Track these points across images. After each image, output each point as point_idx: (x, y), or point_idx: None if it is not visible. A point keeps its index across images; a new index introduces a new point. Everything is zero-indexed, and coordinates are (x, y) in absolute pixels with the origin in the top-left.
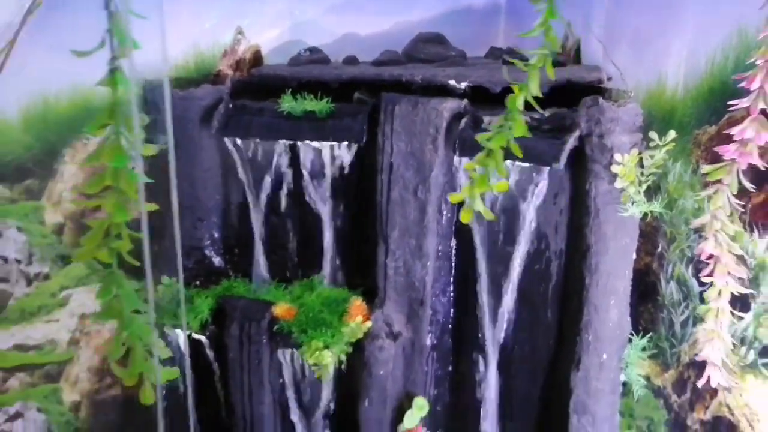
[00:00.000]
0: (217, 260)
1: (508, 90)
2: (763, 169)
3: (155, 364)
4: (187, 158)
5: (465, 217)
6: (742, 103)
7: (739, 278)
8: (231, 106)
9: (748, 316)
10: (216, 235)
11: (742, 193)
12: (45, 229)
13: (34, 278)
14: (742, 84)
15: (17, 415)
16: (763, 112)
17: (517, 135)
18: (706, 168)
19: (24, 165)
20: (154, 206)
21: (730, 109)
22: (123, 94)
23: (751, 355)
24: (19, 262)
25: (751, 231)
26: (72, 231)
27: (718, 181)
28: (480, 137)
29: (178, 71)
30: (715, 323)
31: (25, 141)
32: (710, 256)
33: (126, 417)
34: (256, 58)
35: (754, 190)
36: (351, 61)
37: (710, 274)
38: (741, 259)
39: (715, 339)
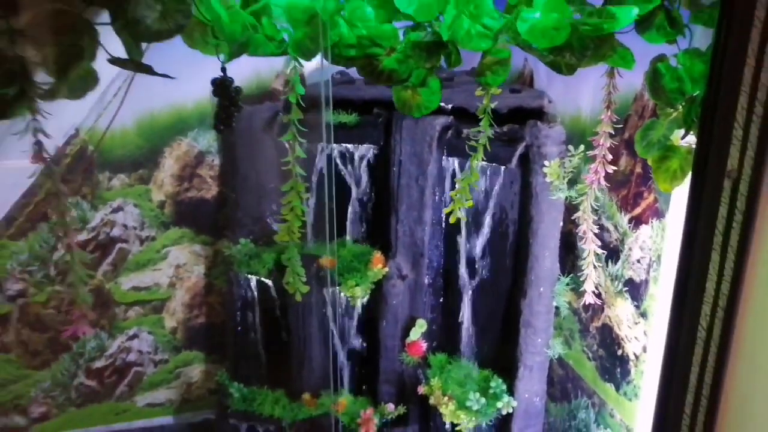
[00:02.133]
0: (276, 226)
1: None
2: (608, 186)
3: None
4: (253, 155)
5: (452, 220)
6: (594, 152)
7: (602, 245)
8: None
9: (619, 263)
10: (274, 207)
11: (615, 189)
12: (152, 205)
13: (145, 240)
14: (594, 142)
15: (134, 336)
16: (603, 157)
17: (473, 181)
18: (578, 187)
19: (137, 160)
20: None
21: (590, 153)
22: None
23: (620, 286)
24: (135, 228)
25: (620, 211)
26: (171, 206)
27: (585, 193)
28: (453, 194)
29: (247, 89)
30: (589, 269)
31: (139, 143)
32: (584, 232)
33: (209, 337)
34: (300, 80)
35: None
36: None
37: (584, 243)
38: (606, 231)
39: (589, 278)
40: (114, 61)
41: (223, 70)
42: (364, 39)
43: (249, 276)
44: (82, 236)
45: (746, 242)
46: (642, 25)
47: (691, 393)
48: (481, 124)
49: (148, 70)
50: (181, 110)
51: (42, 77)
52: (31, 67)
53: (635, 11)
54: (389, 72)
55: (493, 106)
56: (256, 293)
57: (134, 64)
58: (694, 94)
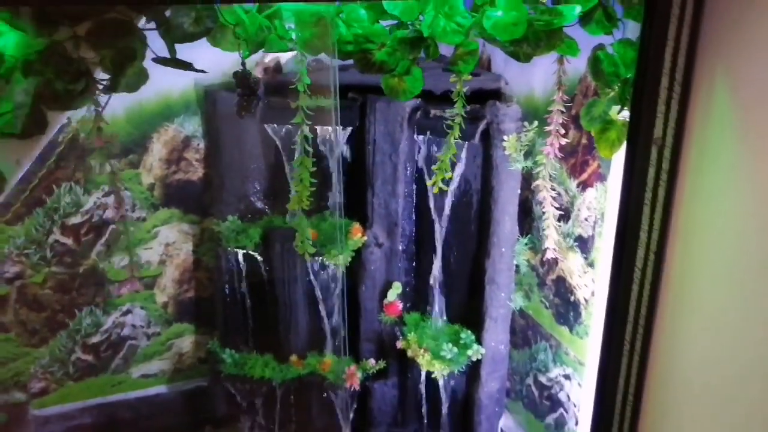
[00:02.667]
0: (259, 204)
1: (446, 91)
2: (561, 156)
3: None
4: (237, 138)
5: (436, 191)
6: (549, 128)
7: (558, 207)
8: (267, 102)
9: (570, 222)
10: (258, 187)
11: (565, 158)
12: (142, 188)
13: (136, 220)
14: (548, 119)
15: (128, 312)
16: (557, 131)
17: (451, 155)
18: (537, 158)
19: (128, 146)
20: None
21: (546, 129)
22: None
23: (570, 242)
24: (126, 210)
25: (570, 177)
26: (160, 188)
27: (543, 164)
28: (435, 167)
29: (228, 78)
30: (549, 230)
31: (128, 130)
32: (543, 198)
33: (198, 310)
34: (277, 67)
35: (561, 160)
36: (344, 68)
37: (544, 207)
38: (559, 195)
39: (550, 237)
40: (158, 60)
41: (243, 65)
42: (359, 37)
43: (237, 250)
44: (77, 219)
45: (670, 197)
46: (584, 20)
47: (630, 323)
48: (456, 106)
49: (188, 67)
50: (168, 98)
51: (101, 75)
52: (92, 66)
53: (578, 9)
54: (380, 63)
55: (454, 89)
56: (243, 265)
57: (176, 61)
58: (627, 77)
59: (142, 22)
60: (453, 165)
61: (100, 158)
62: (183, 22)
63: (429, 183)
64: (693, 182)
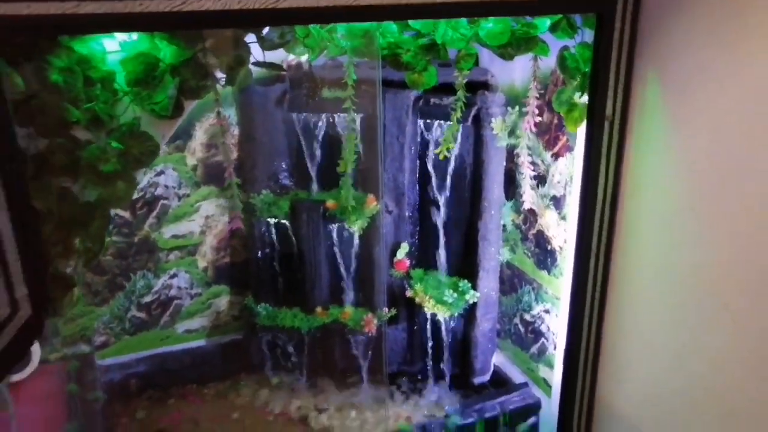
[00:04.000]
0: (286, 181)
1: (443, 83)
2: (537, 132)
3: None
4: (267, 124)
5: (442, 157)
6: (526, 108)
7: (535, 172)
8: (293, 94)
9: (546, 186)
10: (284, 166)
11: (541, 135)
12: (187, 168)
13: (182, 197)
14: (525, 103)
15: (174, 275)
16: (533, 111)
17: (455, 131)
18: (517, 132)
19: (175, 133)
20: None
21: (525, 109)
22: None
23: (547, 201)
24: (174, 188)
25: (545, 150)
26: (201, 168)
27: (522, 137)
28: (443, 140)
29: (258, 74)
30: (526, 187)
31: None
32: (522, 162)
33: (233, 273)
34: (298, 65)
35: (536, 133)
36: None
37: (522, 169)
38: (534, 163)
39: (527, 192)
40: (256, 63)
41: (310, 66)
42: (392, 44)
43: (269, 219)
44: (134, 195)
45: (620, 160)
46: (553, 28)
47: (593, 258)
48: (458, 94)
49: (279, 68)
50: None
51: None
52: (213, 69)
53: (548, 22)
54: (407, 63)
55: (456, 81)
56: (275, 232)
57: (270, 64)
58: (586, 70)
59: (246, 38)
60: (454, 139)
61: (218, 133)
62: (273, 37)
63: (437, 151)
64: (636, 148)
